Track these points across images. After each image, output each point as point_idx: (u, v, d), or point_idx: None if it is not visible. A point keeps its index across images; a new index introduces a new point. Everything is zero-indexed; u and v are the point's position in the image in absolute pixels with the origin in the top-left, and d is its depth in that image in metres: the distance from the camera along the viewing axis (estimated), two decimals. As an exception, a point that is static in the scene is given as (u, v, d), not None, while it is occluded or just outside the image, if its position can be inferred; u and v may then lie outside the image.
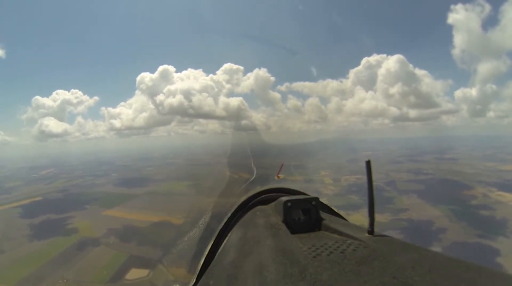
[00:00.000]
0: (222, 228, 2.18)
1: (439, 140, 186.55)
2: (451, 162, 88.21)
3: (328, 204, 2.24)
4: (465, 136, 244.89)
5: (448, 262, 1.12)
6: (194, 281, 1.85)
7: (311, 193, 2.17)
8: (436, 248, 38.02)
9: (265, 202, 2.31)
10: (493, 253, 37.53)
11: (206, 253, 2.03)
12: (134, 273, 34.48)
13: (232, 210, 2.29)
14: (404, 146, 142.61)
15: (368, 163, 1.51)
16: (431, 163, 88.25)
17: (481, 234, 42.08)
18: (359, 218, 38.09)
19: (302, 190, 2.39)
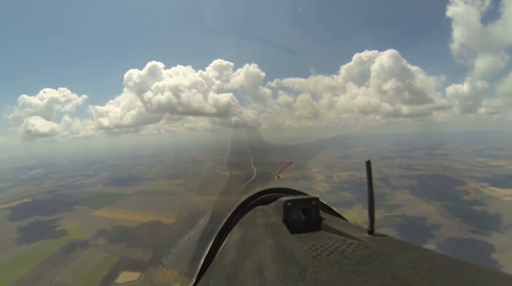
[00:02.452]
0: (222, 228, 2.15)
1: (429, 136, 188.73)
2: (441, 158, 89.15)
3: (328, 204, 2.21)
4: (455, 132, 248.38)
5: (448, 262, 1.12)
6: (194, 281, 1.84)
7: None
8: (431, 245, 38.10)
9: (265, 202, 2.27)
10: (488, 249, 37.61)
11: (206, 253, 2.01)
12: (125, 276, 33.75)
13: (232, 210, 2.26)
14: (394, 142, 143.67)
15: (368, 163, 1.49)
16: (422, 159, 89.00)
17: (475, 230, 42.24)
18: (352, 215, 37.98)
19: (301, 190, 2.35)
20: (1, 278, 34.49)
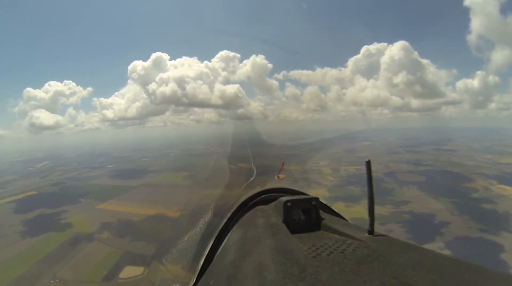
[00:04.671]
0: (222, 228, 2.17)
1: (436, 131, 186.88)
2: (449, 154, 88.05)
3: (328, 204, 2.21)
4: (463, 128, 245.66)
5: (448, 263, 1.14)
6: (194, 281, 1.85)
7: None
8: (439, 243, 37.50)
9: (265, 202, 2.29)
10: (497, 249, 36.86)
11: (206, 253, 2.03)
12: (129, 271, 33.61)
13: (232, 210, 2.28)
14: (401, 136, 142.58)
15: (368, 163, 1.51)
16: (429, 154, 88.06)
17: (484, 228, 41.32)
18: (360, 210, 37.59)
19: (302, 190, 2.37)
20: (5, 272, 34.54)
